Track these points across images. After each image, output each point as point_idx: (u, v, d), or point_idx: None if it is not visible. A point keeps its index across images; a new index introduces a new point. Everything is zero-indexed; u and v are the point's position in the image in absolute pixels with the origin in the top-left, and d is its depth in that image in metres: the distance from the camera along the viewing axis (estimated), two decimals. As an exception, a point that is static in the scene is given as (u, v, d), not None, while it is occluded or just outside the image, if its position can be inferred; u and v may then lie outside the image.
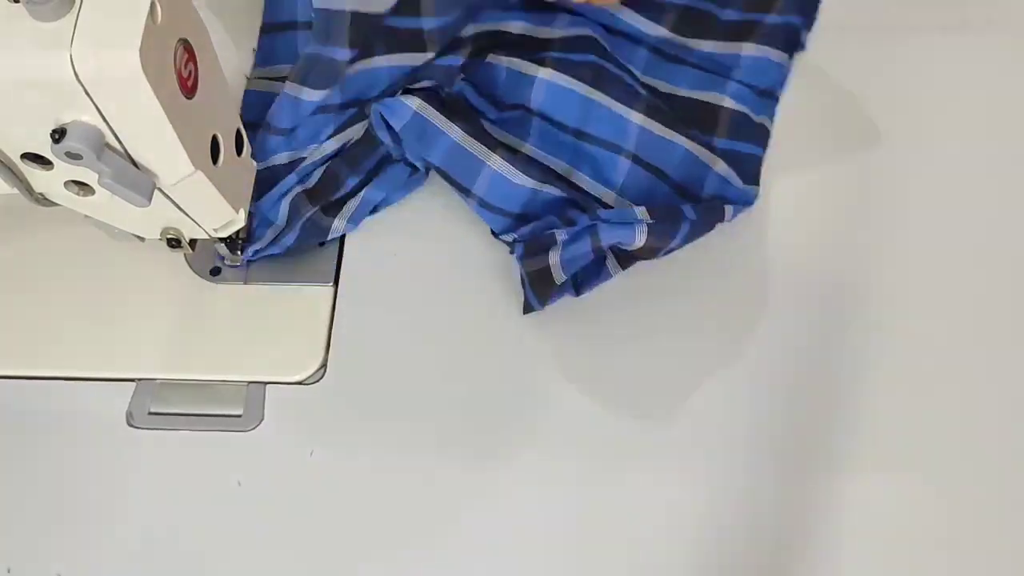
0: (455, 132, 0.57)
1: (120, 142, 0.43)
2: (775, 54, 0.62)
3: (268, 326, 0.58)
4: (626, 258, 0.56)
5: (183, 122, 0.43)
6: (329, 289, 0.59)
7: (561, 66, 0.59)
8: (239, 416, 0.55)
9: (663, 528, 0.51)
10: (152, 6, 0.40)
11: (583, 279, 0.56)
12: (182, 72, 0.44)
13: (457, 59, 0.60)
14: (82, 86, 0.40)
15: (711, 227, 0.56)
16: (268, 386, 0.56)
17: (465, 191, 0.58)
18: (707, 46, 0.62)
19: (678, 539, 0.51)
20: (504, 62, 0.60)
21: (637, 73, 0.62)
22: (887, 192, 0.60)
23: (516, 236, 0.56)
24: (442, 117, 0.58)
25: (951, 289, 0.57)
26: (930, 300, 0.57)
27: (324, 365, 0.57)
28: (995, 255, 0.58)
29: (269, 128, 0.58)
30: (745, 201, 0.58)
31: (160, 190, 0.47)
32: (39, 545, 0.52)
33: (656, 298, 0.57)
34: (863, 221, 0.59)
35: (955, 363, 0.55)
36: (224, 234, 0.54)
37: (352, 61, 0.57)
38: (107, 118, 0.42)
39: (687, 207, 0.55)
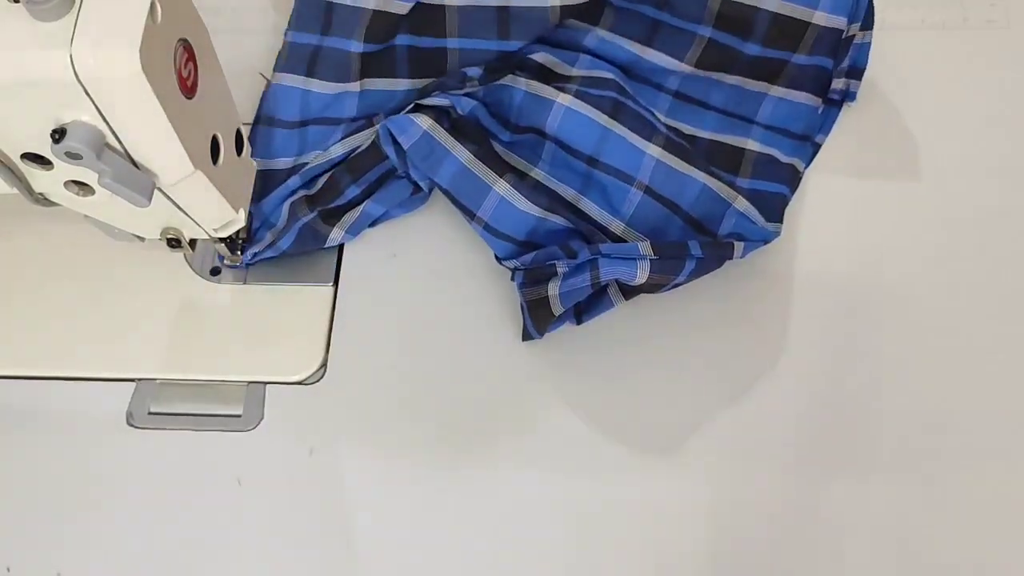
0: (463, 154, 0.57)
1: (120, 142, 0.43)
2: (804, 97, 0.61)
3: (268, 326, 0.58)
4: (630, 290, 0.55)
5: (183, 122, 0.43)
6: (329, 289, 0.59)
7: (581, 96, 0.58)
8: (239, 416, 0.55)
9: (659, 534, 0.51)
10: (152, 6, 0.40)
11: (585, 308, 0.56)
12: (182, 72, 0.44)
13: (476, 70, 0.60)
14: (82, 86, 0.40)
15: (719, 264, 0.55)
16: (268, 386, 0.56)
17: (470, 215, 0.57)
18: (731, 80, 0.61)
19: (675, 548, 0.51)
20: (523, 84, 0.59)
21: (660, 115, 0.61)
22: (884, 192, 0.60)
23: (518, 263, 0.56)
24: (451, 138, 0.57)
25: (954, 289, 0.57)
26: (934, 304, 0.57)
27: (324, 365, 0.57)
28: (1001, 258, 0.58)
29: (272, 122, 0.58)
30: (764, 239, 0.57)
31: (160, 190, 0.47)
32: (39, 545, 0.52)
33: (660, 309, 0.57)
34: (859, 223, 0.59)
35: (968, 375, 0.55)
36: (224, 234, 0.54)
37: (367, 56, 0.57)
38: (107, 118, 0.42)
39: (693, 243, 0.54)
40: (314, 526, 0.52)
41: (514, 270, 0.56)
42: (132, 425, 0.55)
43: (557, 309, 0.54)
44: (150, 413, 0.56)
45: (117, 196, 0.44)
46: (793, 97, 0.61)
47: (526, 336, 0.56)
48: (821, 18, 0.59)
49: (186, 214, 0.50)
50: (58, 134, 0.41)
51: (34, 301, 0.59)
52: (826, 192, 0.60)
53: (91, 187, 0.46)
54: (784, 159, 0.60)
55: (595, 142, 0.58)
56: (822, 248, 0.59)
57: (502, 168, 0.57)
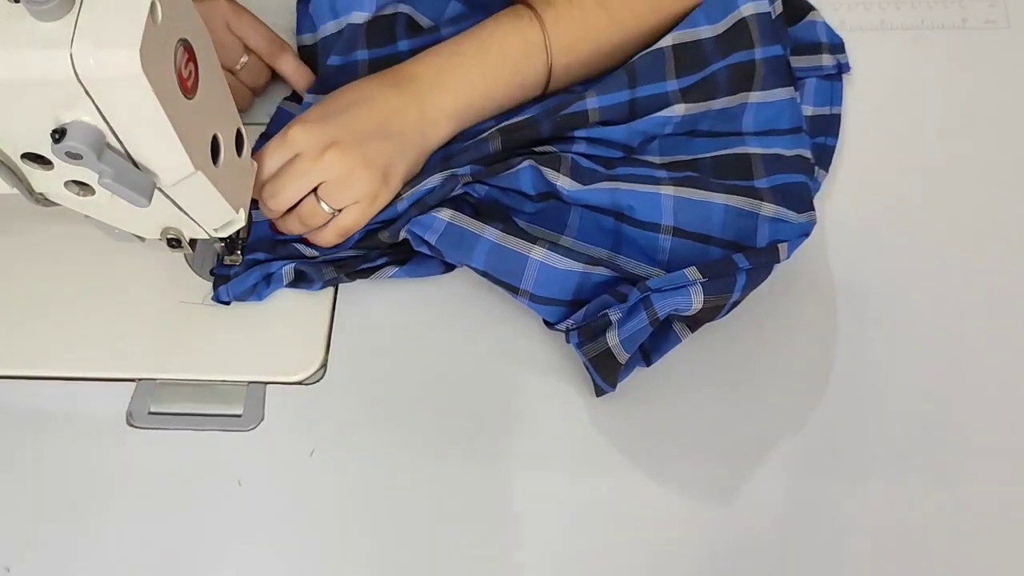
0: (492, 233, 0.55)
1: (120, 142, 0.43)
2: (780, 93, 0.61)
3: (268, 326, 0.58)
4: (694, 321, 0.54)
5: (183, 122, 0.43)
6: (329, 289, 0.59)
7: (576, 165, 0.58)
8: (239, 416, 0.55)
9: (660, 535, 0.51)
10: (152, 6, 0.40)
11: (652, 347, 0.55)
12: (182, 72, 0.44)
13: (465, 168, 0.58)
14: (82, 86, 0.40)
15: (768, 271, 0.55)
16: (268, 386, 0.56)
17: (514, 290, 0.55)
18: (717, 104, 0.60)
19: (681, 544, 0.51)
20: (526, 163, 0.57)
21: (655, 159, 0.60)
22: (883, 192, 0.60)
23: (571, 323, 0.54)
24: (476, 222, 0.56)
25: (954, 289, 0.57)
26: (934, 304, 0.57)
27: (324, 365, 0.57)
28: (1001, 258, 0.58)
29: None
30: (803, 233, 0.56)
31: (160, 190, 0.47)
32: (39, 545, 0.52)
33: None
34: (859, 224, 0.59)
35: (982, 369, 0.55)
36: (224, 234, 0.54)
37: None
38: (107, 118, 0.42)
39: (739, 256, 0.53)
40: (314, 526, 0.52)
41: (568, 331, 0.54)
42: (132, 425, 0.55)
43: (622, 357, 0.52)
44: (150, 413, 0.56)
45: (117, 196, 0.44)
46: (768, 98, 0.61)
47: (599, 392, 0.54)
48: (748, 9, 0.60)
49: (186, 214, 0.50)
50: (58, 134, 0.41)
51: (34, 301, 0.59)
52: (826, 193, 0.60)
53: (91, 187, 0.46)
54: (789, 153, 0.59)
55: (610, 200, 0.57)
56: (822, 250, 0.59)
57: (533, 238, 0.56)
